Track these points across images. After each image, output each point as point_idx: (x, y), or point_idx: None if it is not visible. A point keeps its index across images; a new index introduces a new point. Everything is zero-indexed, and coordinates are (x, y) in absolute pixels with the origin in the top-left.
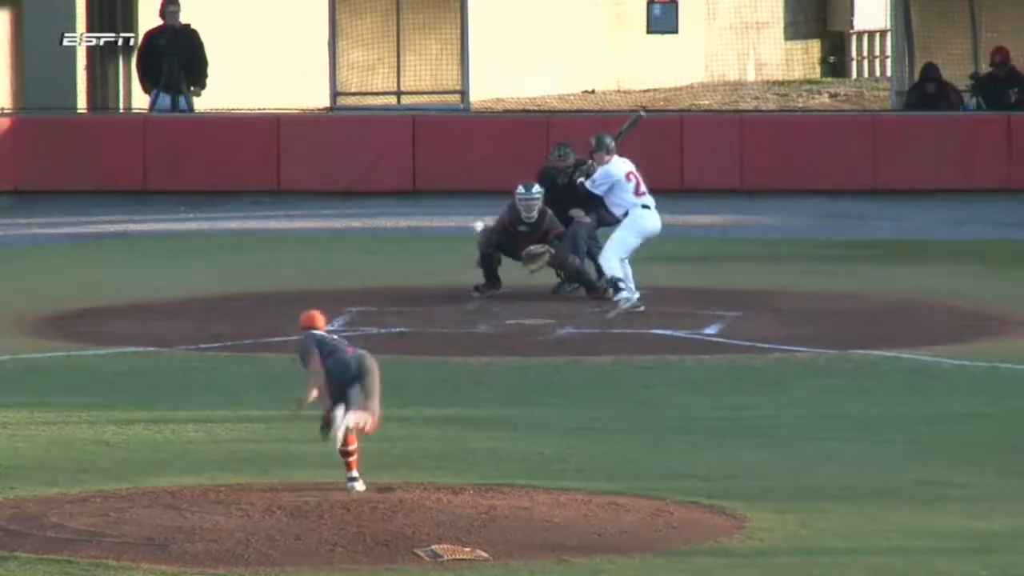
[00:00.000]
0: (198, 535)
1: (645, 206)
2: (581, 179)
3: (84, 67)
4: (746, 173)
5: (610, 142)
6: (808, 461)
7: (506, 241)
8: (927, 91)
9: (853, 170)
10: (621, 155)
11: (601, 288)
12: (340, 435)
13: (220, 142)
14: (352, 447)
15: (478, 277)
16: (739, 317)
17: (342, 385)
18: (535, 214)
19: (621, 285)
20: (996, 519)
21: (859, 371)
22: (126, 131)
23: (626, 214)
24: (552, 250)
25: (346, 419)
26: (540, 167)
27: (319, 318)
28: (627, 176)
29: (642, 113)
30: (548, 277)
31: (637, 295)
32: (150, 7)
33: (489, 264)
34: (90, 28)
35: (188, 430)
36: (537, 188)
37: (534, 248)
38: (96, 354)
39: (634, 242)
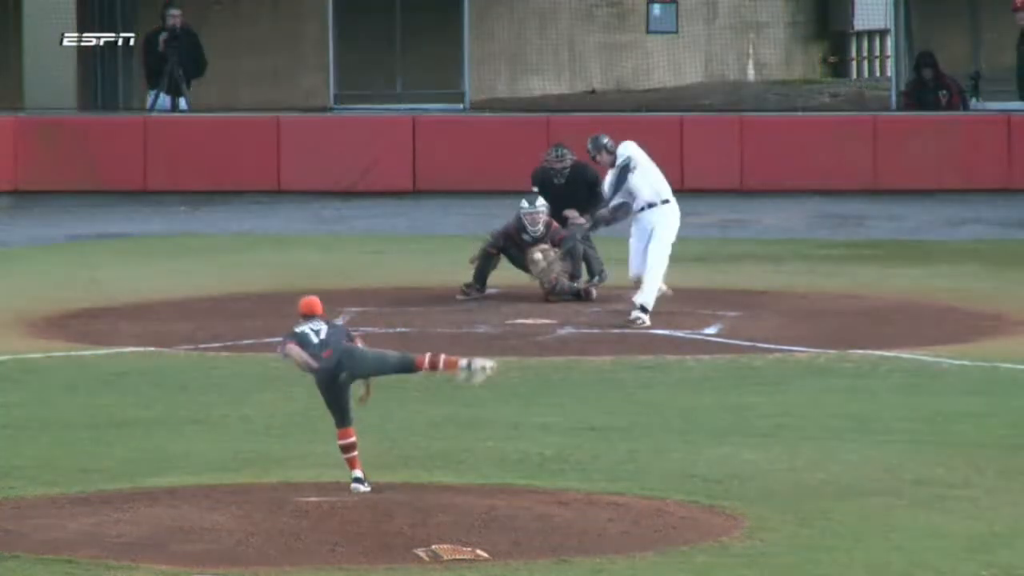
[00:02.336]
0: (198, 535)
1: (666, 200)
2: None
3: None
4: (746, 173)
5: (605, 139)
6: (808, 461)
7: (512, 248)
8: (924, 77)
9: (853, 170)
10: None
11: (583, 291)
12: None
13: (220, 142)
14: (351, 440)
15: (469, 276)
16: (739, 317)
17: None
18: (540, 228)
19: (649, 308)
20: (996, 519)
21: (859, 371)
22: (126, 131)
23: (642, 209)
24: (559, 254)
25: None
26: (537, 167)
27: (317, 305)
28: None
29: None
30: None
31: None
32: (151, 7)
33: (485, 264)
34: (90, 28)
35: (188, 430)
36: (541, 202)
37: (539, 252)
38: (96, 354)
39: (671, 248)
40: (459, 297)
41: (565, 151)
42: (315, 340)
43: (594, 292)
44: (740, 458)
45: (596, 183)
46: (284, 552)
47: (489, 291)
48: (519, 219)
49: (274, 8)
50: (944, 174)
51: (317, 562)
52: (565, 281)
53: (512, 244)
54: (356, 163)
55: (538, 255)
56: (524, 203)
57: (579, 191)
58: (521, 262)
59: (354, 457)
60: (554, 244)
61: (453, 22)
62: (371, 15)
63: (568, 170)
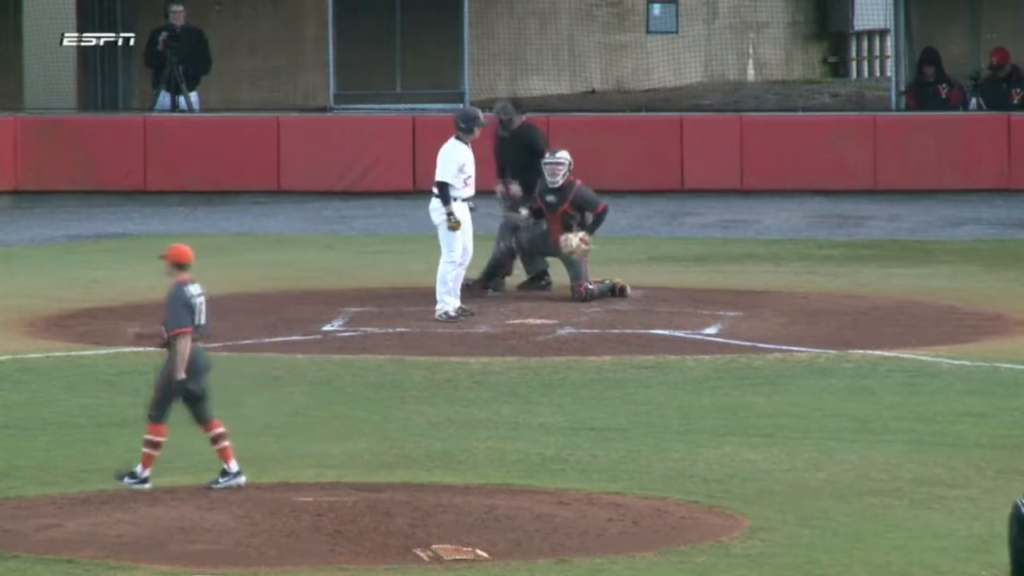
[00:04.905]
0: (198, 535)
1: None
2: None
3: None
4: (746, 173)
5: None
6: (808, 461)
7: (540, 240)
8: (926, 73)
9: (853, 170)
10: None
11: (616, 288)
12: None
13: (220, 142)
14: (221, 430)
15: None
16: (739, 317)
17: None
18: (559, 179)
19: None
20: (996, 519)
21: (859, 371)
22: (126, 131)
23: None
24: (588, 238)
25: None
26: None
27: (189, 253)
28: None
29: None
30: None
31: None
32: (152, 7)
33: (498, 267)
34: (90, 28)
35: (188, 430)
36: (562, 153)
37: (571, 238)
38: (96, 354)
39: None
40: (489, 292)
41: (509, 106)
42: (201, 320)
43: (628, 289)
44: (740, 458)
45: (536, 148)
46: (284, 552)
47: (489, 291)
48: (540, 179)
49: (274, 8)
50: (944, 174)
51: (317, 562)
52: (592, 288)
53: (538, 230)
54: (356, 163)
55: (571, 239)
56: (547, 154)
57: (522, 153)
58: (545, 244)
59: (226, 448)
60: (582, 210)
61: (453, 22)
62: (371, 15)
63: (511, 123)
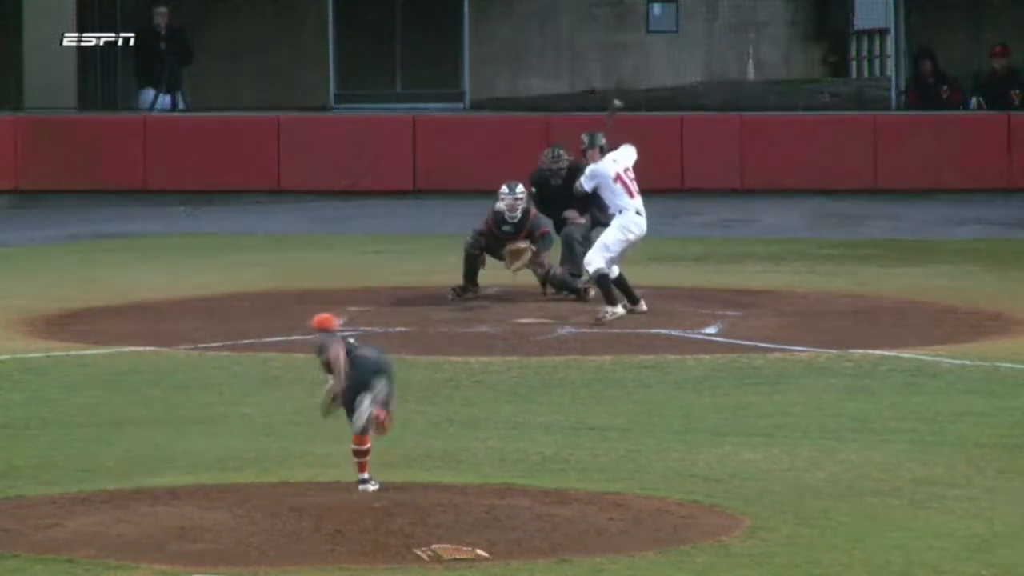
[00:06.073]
0: (198, 535)
1: (638, 212)
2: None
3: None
4: (746, 173)
5: (602, 140)
6: (808, 461)
7: (493, 243)
8: (923, 69)
9: (853, 170)
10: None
11: (582, 290)
12: (362, 423)
13: (220, 142)
14: (366, 447)
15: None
16: (739, 317)
17: (362, 381)
18: (519, 214)
19: (606, 285)
20: (996, 519)
21: (859, 371)
22: (126, 131)
23: (619, 212)
24: (534, 247)
25: (369, 409)
26: (534, 170)
27: (332, 320)
28: (616, 178)
29: (617, 102)
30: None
31: (620, 307)
32: (147, 6)
33: (472, 265)
34: (90, 28)
35: (188, 430)
36: (520, 188)
37: (515, 245)
38: (96, 354)
39: (619, 246)
40: (450, 297)
41: (561, 152)
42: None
43: (592, 292)
44: (740, 458)
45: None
46: (284, 552)
47: (489, 290)
48: (496, 210)
49: (274, 8)
50: (944, 174)
51: (317, 562)
52: (558, 269)
53: (492, 239)
54: (356, 163)
55: (512, 247)
56: (504, 188)
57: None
58: (500, 254)
59: (365, 461)
60: (532, 235)
61: (453, 22)
62: (371, 14)
63: (565, 170)
